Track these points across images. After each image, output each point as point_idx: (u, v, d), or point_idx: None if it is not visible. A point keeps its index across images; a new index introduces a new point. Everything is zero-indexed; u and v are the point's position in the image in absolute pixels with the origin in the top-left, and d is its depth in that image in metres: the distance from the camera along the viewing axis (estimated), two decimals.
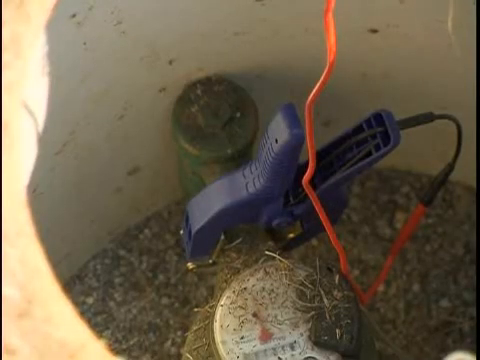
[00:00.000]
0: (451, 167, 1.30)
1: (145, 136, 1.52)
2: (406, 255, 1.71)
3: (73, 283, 1.71)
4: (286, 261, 1.29)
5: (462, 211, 1.76)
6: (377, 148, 1.23)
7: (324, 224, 1.26)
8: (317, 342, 1.23)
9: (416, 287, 1.72)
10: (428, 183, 1.34)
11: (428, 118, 1.26)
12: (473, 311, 1.67)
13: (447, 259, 1.73)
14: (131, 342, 1.67)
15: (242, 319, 1.26)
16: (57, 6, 1.07)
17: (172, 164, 1.56)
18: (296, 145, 1.21)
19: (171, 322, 1.69)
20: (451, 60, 1.40)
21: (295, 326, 1.25)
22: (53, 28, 1.12)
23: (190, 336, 1.35)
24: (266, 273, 1.29)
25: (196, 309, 1.43)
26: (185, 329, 1.46)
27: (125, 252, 1.76)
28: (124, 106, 1.44)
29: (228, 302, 1.27)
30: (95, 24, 1.26)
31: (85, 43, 1.28)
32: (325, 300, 1.27)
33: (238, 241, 1.36)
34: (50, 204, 1.35)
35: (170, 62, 1.45)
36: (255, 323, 1.26)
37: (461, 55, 1.37)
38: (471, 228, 1.75)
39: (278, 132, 1.22)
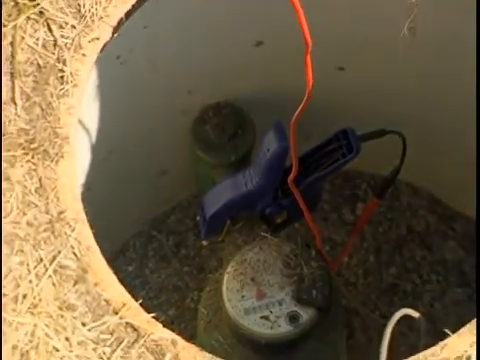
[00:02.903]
0: (398, 169, 1.30)
1: (170, 147, 1.52)
2: (364, 235, 1.71)
3: (117, 256, 1.71)
4: (275, 239, 1.30)
5: (405, 202, 1.76)
6: (343, 156, 1.23)
7: (304, 212, 1.27)
8: (299, 300, 1.23)
9: (371, 258, 1.72)
10: (380, 181, 1.33)
11: (381, 133, 1.25)
12: (414, 277, 1.68)
13: (394, 237, 1.73)
14: (160, 300, 1.66)
15: (243, 283, 1.26)
16: (105, 49, 1.06)
17: (190, 168, 1.56)
18: (283, 154, 1.21)
19: (190, 285, 1.68)
20: (399, 89, 1.39)
21: (282, 288, 1.25)
22: (102, 66, 1.11)
23: (204, 295, 1.35)
24: (261, 248, 1.29)
25: (209, 275, 1.43)
26: (201, 290, 1.45)
27: (156, 233, 1.76)
28: (154, 124, 1.43)
29: (232, 270, 1.27)
30: (134, 64, 1.25)
31: (126, 77, 1.27)
32: (304, 268, 1.27)
33: (240, 225, 1.35)
34: (100, 197, 1.34)
35: (189, 92, 1.45)
36: (253, 286, 1.26)
37: (407, 84, 1.37)
38: (411, 215, 1.75)
39: (270, 144, 1.22)
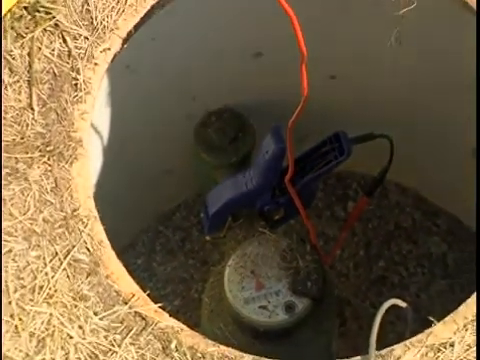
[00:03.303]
0: (386, 170, 1.29)
1: (176, 149, 1.51)
2: (355, 230, 1.71)
3: (127, 250, 1.71)
4: (273, 235, 1.29)
5: (393, 200, 1.76)
6: (335, 158, 1.23)
7: (300, 210, 1.26)
8: (294, 290, 1.23)
9: (361, 252, 1.71)
10: (370, 181, 1.33)
11: (371, 137, 1.25)
12: (401, 269, 1.68)
13: (382, 233, 1.73)
14: (167, 291, 1.66)
15: (243, 275, 1.26)
16: (116, 59, 1.06)
17: (192, 168, 1.55)
18: (280, 155, 1.21)
19: (195, 277, 1.68)
20: (386, 95, 1.39)
21: (279, 280, 1.25)
22: (113, 74, 1.11)
23: (208, 286, 1.35)
24: (259, 243, 1.28)
25: (212, 268, 1.43)
26: (204, 281, 1.45)
27: (163, 228, 1.76)
28: (161, 128, 1.43)
29: (233, 263, 1.27)
30: (142, 72, 1.25)
31: (135, 85, 1.27)
32: (300, 262, 1.26)
33: (240, 221, 1.35)
34: (110, 196, 1.33)
35: (193, 98, 1.45)
36: (252, 278, 1.25)
37: (393, 91, 1.37)
38: (399, 212, 1.75)
39: (268, 146, 1.22)
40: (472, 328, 0.91)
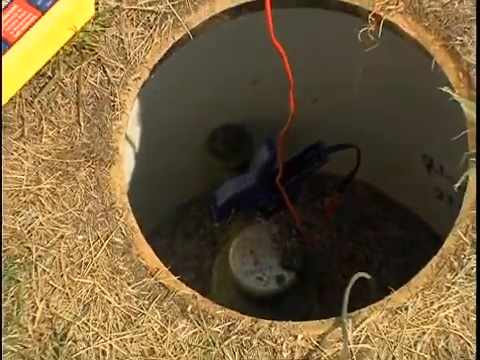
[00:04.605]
0: (354, 172, 1.29)
1: (191, 155, 1.50)
2: (330, 219, 1.69)
3: (153, 234, 1.70)
4: (267, 223, 1.30)
5: (359, 195, 1.74)
6: (315, 163, 1.24)
7: (288, 203, 1.26)
8: (283, 266, 1.24)
9: (335, 235, 1.69)
10: (342, 181, 1.32)
11: (343, 146, 1.25)
12: (366, 249, 1.67)
13: (351, 221, 1.71)
14: (185, 266, 1.65)
15: (244, 253, 1.26)
16: (145, 86, 1.05)
17: (204, 170, 1.55)
18: (272, 161, 1.21)
19: (207, 254, 1.67)
20: (357, 114, 1.38)
21: (272, 257, 1.25)
22: (142, 98, 1.11)
23: (216, 263, 1.36)
24: (256, 229, 1.29)
25: (220, 248, 1.43)
26: (214, 258, 1.45)
27: (181, 217, 1.74)
28: (180, 139, 1.42)
29: (236, 244, 1.27)
30: (166, 96, 1.24)
31: (160, 106, 1.26)
32: (287, 243, 1.27)
33: (241, 212, 1.35)
34: (140, 192, 1.33)
35: (205, 116, 1.43)
36: (251, 256, 1.26)
37: (363, 110, 1.36)
38: (363, 205, 1.72)
39: (263, 154, 1.22)
40: (422, 295, 0.90)
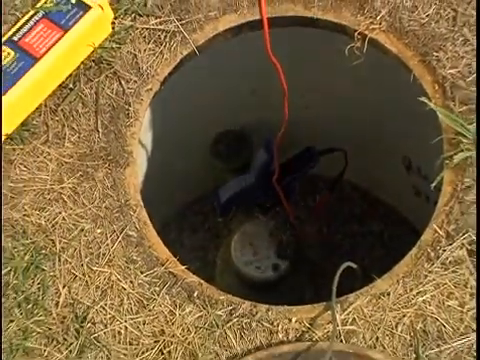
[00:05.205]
0: (342, 173, 1.29)
1: (197, 157, 1.50)
2: (320, 215, 1.67)
3: (164, 228, 1.69)
4: (265, 218, 1.29)
5: (347, 194, 1.73)
6: (307, 165, 1.23)
7: (283, 201, 1.26)
8: (279, 255, 1.24)
9: (325, 229, 1.67)
10: (332, 180, 1.32)
11: (332, 150, 1.25)
12: (353, 241, 1.66)
13: (340, 216, 1.70)
14: (191, 256, 1.64)
15: (244, 245, 1.26)
16: (156, 96, 1.05)
17: (208, 171, 1.54)
18: (269, 163, 1.21)
19: (211, 246, 1.66)
20: (345, 120, 1.38)
21: (269, 249, 1.25)
22: (154, 107, 1.11)
23: (219, 253, 1.36)
24: (256, 223, 1.28)
25: (223, 240, 1.42)
26: (217, 249, 1.45)
27: (189, 213, 1.73)
28: (186, 144, 1.42)
29: (237, 237, 1.27)
30: (174, 105, 1.24)
31: (169, 114, 1.26)
32: (283, 236, 1.27)
33: (242, 208, 1.35)
34: (152, 190, 1.32)
35: (209, 123, 1.43)
36: (250, 247, 1.26)
37: (350, 117, 1.36)
38: (351, 203, 1.71)
39: (261, 155, 1.22)
40: (402, 282, 0.90)
